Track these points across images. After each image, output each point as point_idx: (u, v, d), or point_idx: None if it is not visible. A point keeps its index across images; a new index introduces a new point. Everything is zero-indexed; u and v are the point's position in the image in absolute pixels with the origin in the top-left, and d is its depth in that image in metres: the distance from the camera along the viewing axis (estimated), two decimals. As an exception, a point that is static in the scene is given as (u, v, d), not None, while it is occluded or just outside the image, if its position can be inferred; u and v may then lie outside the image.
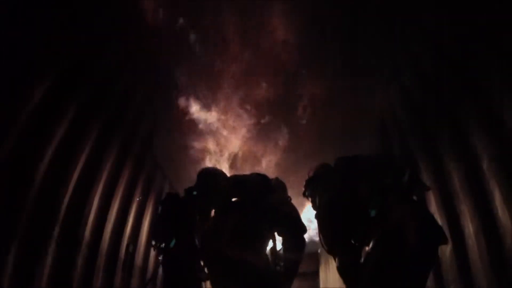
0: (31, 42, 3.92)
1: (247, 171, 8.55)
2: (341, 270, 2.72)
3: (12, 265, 3.87)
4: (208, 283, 3.27)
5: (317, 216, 2.96)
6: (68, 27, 4.44)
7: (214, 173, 3.99)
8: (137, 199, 6.92)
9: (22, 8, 3.76)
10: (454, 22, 4.39)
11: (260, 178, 3.28)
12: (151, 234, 4.18)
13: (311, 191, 3.19)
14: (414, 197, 2.81)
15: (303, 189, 3.26)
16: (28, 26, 3.83)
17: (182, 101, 7.25)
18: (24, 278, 4.08)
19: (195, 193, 3.79)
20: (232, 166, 8.49)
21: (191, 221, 3.66)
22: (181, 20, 6.15)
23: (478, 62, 4.06)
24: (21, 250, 4.00)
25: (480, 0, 3.97)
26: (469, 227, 4.48)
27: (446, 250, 4.85)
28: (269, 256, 2.98)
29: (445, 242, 2.56)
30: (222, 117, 8.24)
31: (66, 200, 4.82)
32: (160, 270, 4.01)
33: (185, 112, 7.58)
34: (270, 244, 3.04)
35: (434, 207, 5.30)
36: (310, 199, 3.22)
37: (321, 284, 12.68)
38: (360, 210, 2.65)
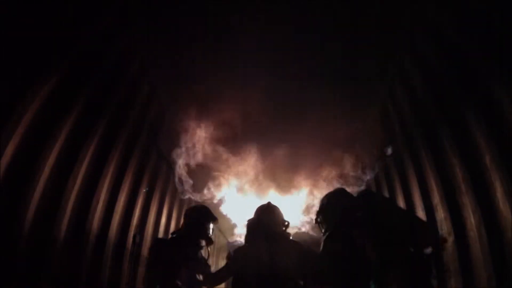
0: (36, 37, 3.94)
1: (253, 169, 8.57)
2: None
3: (21, 255, 3.97)
4: None
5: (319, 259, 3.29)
6: (74, 21, 4.45)
7: (199, 212, 4.28)
8: (143, 190, 7.02)
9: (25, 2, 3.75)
10: (457, 16, 4.40)
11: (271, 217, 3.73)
12: (144, 281, 4.31)
13: (321, 221, 3.61)
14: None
15: (315, 216, 3.71)
16: (33, 21, 3.84)
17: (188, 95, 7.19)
18: (33, 267, 4.17)
19: (175, 235, 4.10)
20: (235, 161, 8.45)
21: (177, 265, 3.79)
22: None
23: (482, 58, 4.08)
24: (30, 240, 4.08)
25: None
26: (471, 220, 4.55)
27: (448, 242, 4.92)
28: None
29: None
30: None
31: (75, 191, 4.92)
32: None
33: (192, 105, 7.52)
34: None
35: (437, 199, 5.38)
36: (320, 226, 3.65)
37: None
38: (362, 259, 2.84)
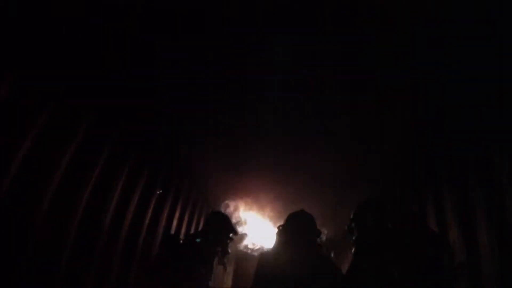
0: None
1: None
2: None
3: (33, 252, 4.03)
4: None
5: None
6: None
7: (223, 217, 4.28)
8: (157, 193, 7.09)
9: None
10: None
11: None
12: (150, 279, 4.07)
13: (354, 228, 3.53)
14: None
15: (349, 222, 3.60)
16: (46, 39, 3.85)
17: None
18: (43, 265, 4.24)
19: (198, 240, 3.93)
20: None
21: (194, 269, 3.65)
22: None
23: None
24: (41, 237, 4.14)
25: None
26: (484, 239, 4.45)
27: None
28: None
29: None
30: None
31: (87, 193, 4.99)
32: None
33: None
34: None
35: (450, 218, 5.29)
36: (351, 233, 3.55)
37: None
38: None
